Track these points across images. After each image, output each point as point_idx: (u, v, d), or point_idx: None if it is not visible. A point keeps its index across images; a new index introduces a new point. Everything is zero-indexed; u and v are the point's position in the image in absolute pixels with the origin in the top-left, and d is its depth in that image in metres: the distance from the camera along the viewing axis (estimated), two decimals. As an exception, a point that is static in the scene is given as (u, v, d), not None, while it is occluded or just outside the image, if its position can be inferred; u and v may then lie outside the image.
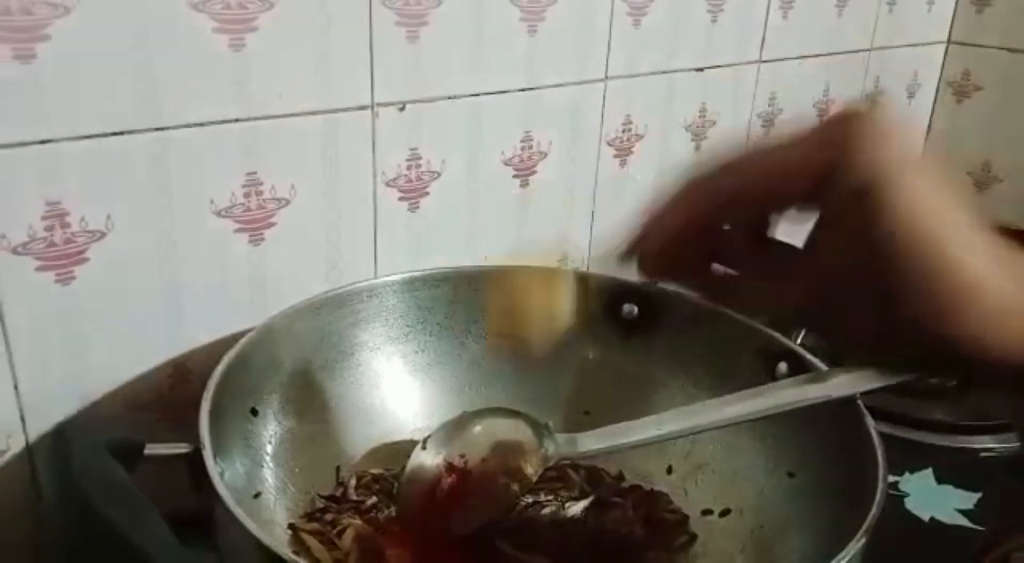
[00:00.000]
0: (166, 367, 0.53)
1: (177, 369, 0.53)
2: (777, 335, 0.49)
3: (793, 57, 0.89)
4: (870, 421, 0.41)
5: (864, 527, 0.34)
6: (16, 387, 0.46)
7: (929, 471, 0.62)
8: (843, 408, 0.43)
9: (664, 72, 0.76)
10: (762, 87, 0.86)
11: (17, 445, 0.47)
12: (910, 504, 0.58)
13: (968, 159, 1.10)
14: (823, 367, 0.46)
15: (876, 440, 0.40)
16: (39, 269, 0.46)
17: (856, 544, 0.34)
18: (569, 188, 0.72)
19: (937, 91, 1.12)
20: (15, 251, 0.44)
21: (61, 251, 0.46)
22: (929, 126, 1.14)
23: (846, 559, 0.33)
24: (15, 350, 0.46)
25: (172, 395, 0.53)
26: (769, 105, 0.88)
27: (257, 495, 0.45)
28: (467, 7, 0.59)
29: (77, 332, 0.48)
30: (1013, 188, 1.08)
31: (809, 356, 0.47)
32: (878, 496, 0.36)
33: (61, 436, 0.32)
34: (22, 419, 0.47)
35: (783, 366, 0.48)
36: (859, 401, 0.43)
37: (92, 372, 0.49)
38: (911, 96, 1.10)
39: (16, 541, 0.48)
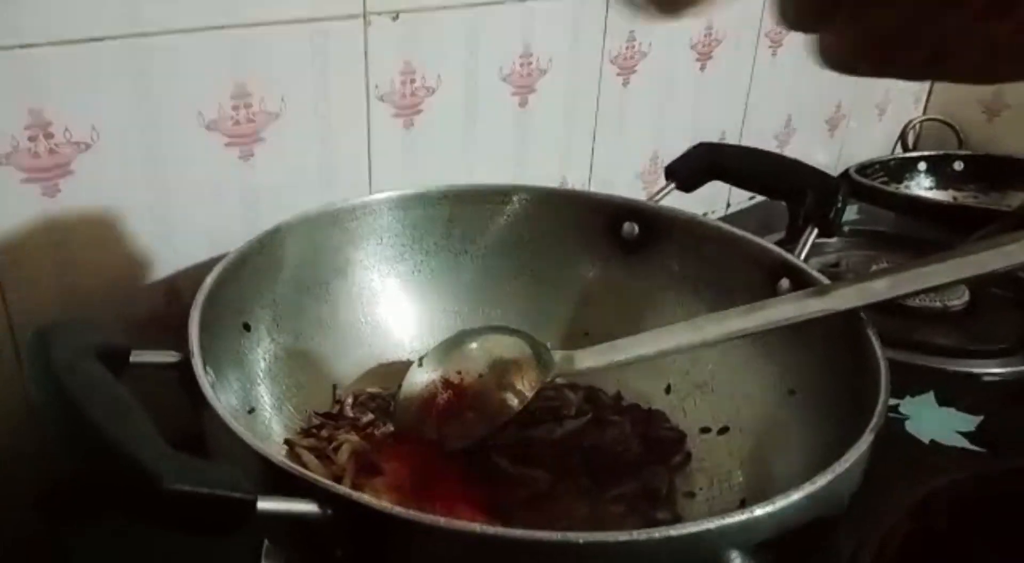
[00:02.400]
0: (160, 284, 0.52)
1: (172, 287, 0.52)
2: (779, 250, 0.48)
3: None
4: (873, 334, 0.40)
5: (867, 430, 0.34)
6: (4, 299, 0.46)
7: (930, 395, 0.61)
8: (845, 324, 0.42)
9: (669, -13, 0.73)
10: (772, 5, 0.83)
11: (7, 360, 0.47)
12: (910, 427, 0.58)
13: (980, 87, 1.08)
14: (825, 281, 0.45)
15: (879, 353, 0.39)
16: (24, 181, 0.45)
17: (857, 452, 0.33)
18: (570, 107, 0.70)
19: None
20: (-2, 162, 0.43)
21: (45, 163, 0.45)
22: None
23: (847, 465, 0.32)
24: (2, 264, 0.45)
25: (167, 312, 0.52)
26: (776, 24, 0.85)
27: (251, 411, 0.45)
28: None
29: (64, 247, 0.47)
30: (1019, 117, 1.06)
31: (811, 271, 0.46)
32: (880, 406, 0.35)
33: (45, 335, 0.31)
34: (12, 333, 0.47)
35: (785, 282, 0.47)
36: (862, 315, 0.42)
37: (82, 288, 0.48)
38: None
39: (8, 459, 0.48)
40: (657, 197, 0.54)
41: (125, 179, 0.48)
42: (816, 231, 0.49)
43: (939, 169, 1.06)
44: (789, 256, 0.47)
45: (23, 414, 0.48)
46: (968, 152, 1.08)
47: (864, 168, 1.02)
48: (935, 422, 0.58)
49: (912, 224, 0.88)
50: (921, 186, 1.06)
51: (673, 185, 0.54)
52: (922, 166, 1.07)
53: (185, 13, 0.47)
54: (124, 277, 0.50)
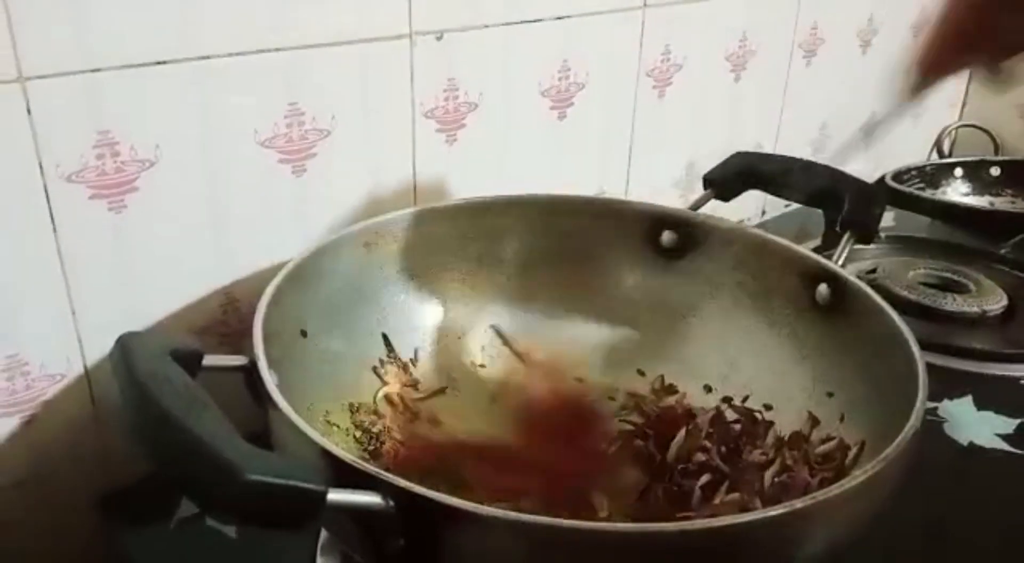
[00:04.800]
0: (217, 294, 0.54)
1: (228, 296, 0.54)
2: (817, 257, 0.49)
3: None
4: (910, 337, 0.41)
5: (905, 430, 0.35)
6: (73, 313, 0.48)
7: (969, 398, 0.61)
8: (881, 327, 0.43)
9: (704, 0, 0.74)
10: (804, 15, 0.84)
11: (76, 370, 0.49)
12: (948, 429, 0.58)
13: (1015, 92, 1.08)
14: (864, 286, 0.46)
15: (916, 355, 0.40)
16: (92, 197, 0.47)
17: (895, 450, 0.34)
18: (607, 120, 0.72)
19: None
20: (68, 179, 0.46)
21: (112, 179, 0.47)
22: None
23: (882, 464, 0.33)
24: (71, 277, 0.47)
25: (223, 320, 0.54)
26: (811, 34, 0.86)
27: (309, 408, 0.47)
28: (504, -66, 0.58)
29: (130, 259, 0.49)
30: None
31: (850, 277, 0.47)
32: (917, 405, 0.36)
33: (125, 345, 0.33)
34: (80, 343, 0.49)
35: (823, 288, 0.48)
36: (897, 319, 0.43)
37: (145, 298, 0.51)
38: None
39: (75, 462, 0.51)
40: (696, 205, 0.55)
41: (186, 194, 0.50)
42: (854, 238, 0.50)
43: (975, 175, 1.06)
44: (828, 262, 0.49)
45: (88, 420, 0.51)
46: (1005, 157, 1.08)
47: (900, 174, 1.02)
48: (974, 425, 0.59)
49: (949, 230, 0.89)
50: (958, 192, 1.06)
51: (711, 193, 0.56)
52: (958, 172, 1.07)
53: (241, 37, 0.49)
54: (184, 287, 0.53)
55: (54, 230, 0.46)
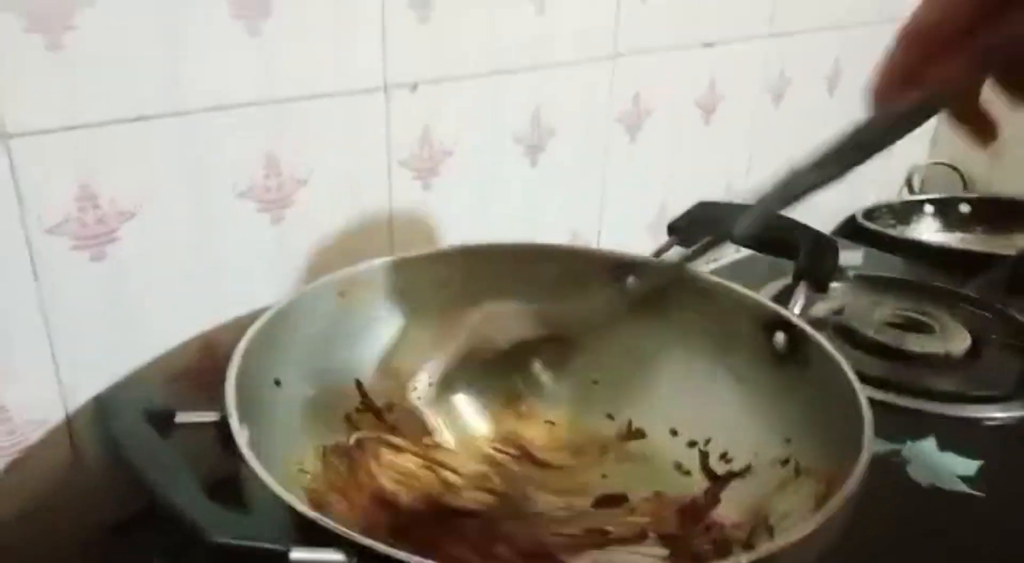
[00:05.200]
0: (196, 341, 0.55)
1: (206, 343, 0.56)
2: (773, 306, 0.51)
3: (804, 30, 0.89)
4: (855, 381, 0.43)
5: (849, 481, 0.36)
6: (55, 360, 0.49)
7: (932, 439, 0.63)
8: (835, 379, 0.45)
9: (672, 48, 0.77)
10: (772, 60, 0.87)
11: (56, 416, 0.51)
12: (911, 470, 0.60)
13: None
14: (818, 337, 0.48)
15: (865, 410, 0.42)
16: (73, 248, 0.48)
17: (839, 499, 0.36)
18: (578, 165, 0.74)
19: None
20: (50, 231, 0.47)
21: (93, 231, 0.49)
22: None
23: (824, 517, 0.35)
24: (52, 325, 0.49)
25: (202, 367, 0.56)
26: (779, 78, 0.89)
27: (284, 457, 0.48)
28: (476, -11, 0.60)
29: (111, 308, 0.51)
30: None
31: (804, 325, 0.49)
32: (860, 463, 0.38)
33: (101, 404, 0.35)
34: (60, 390, 0.50)
35: (780, 336, 0.50)
36: (843, 365, 0.45)
37: (126, 345, 0.52)
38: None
39: (57, 506, 0.52)
40: (659, 252, 0.57)
41: (166, 244, 0.52)
42: (808, 287, 0.52)
43: (946, 212, 1.09)
44: (783, 311, 0.50)
45: (69, 465, 0.52)
46: (974, 195, 1.11)
47: (871, 211, 1.05)
48: (936, 467, 0.60)
49: (918, 268, 0.91)
50: (929, 229, 1.09)
51: (674, 241, 0.58)
52: (928, 209, 1.09)
53: (221, 93, 0.51)
54: (164, 334, 0.54)
55: (36, 280, 0.47)
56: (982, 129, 0.41)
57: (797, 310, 0.50)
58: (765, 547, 0.33)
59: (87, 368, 0.51)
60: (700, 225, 0.56)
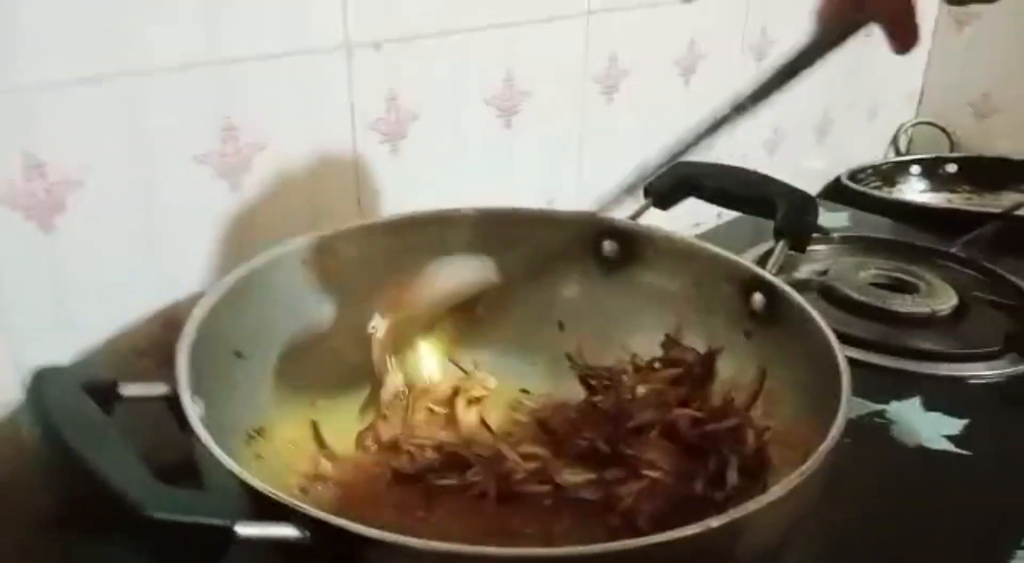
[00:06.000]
0: (157, 316, 0.53)
1: (168, 316, 0.54)
2: (750, 265, 0.49)
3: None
4: (839, 352, 0.42)
5: (827, 439, 0.35)
6: (8, 336, 0.47)
7: (917, 399, 0.62)
8: (813, 338, 0.44)
9: (649, 5, 0.74)
10: (753, 18, 0.85)
11: (13, 396, 0.48)
12: (896, 431, 0.59)
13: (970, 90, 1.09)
14: (795, 295, 0.46)
15: (843, 367, 0.40)
16: (22, 219, 0.46)
17: (816, 458, 0.34)
18: (555, 127, 0.72)
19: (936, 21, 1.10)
20: (-6, 202, 0.45)
21: (40, 200, 0.47)
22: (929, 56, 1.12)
23: (798, 481, 0.33)
24: (4, 302, 0.47)
25: (166, 341, 0.53)
26: (761, 36, 0.87)
27: (253, 436, 0.46)
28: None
29: (63, 282, 0.49)
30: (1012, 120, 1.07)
31: (781, 285, 0.47)
32: (838, 420, 0.37)
33: (39, 376, 0.33)
34: (16, 369, 0.48)
35: (758, 296, 0.49)
36: (822, 323, 0.43)
37: (82, 321, 0.50)
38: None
39: (19, 483, 0.50)
40: (636, 215, 0.55)
41: (119, 214, 0.49)
42: (787, 245, 0.50)
43: (932, 172, 1.08)
44: (760, 271, 0.49)
45: (24, 447, 0.50)
46: (961, 154, 1.09)
47: (856, 173, 1.03)
48: (921, 426, 0.59)
49: (904, 228, 0.89)
50: (915, 189, 1.07)
51: (650, 203, 0.56)
52: (915, 170, 1.08)
53: (169, 53, 0.48)
54: (122, 309, 0.52)
55: (-19, 253, 0.45)
56: (908, 37, 0.45)
57: (775, 270, 0.49)
58: (742, 507, 0.32)
59: (43, 346, 0.48)
60: (675, 185, 0.55)
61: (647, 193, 0.56)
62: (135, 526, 0.27)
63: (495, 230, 0.56)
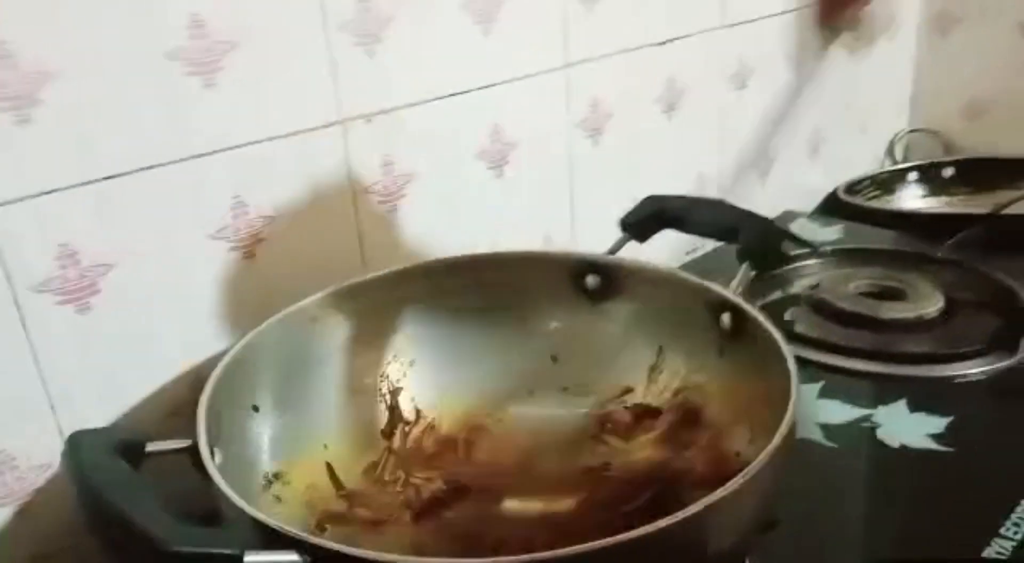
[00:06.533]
0: (186, 377, 0.59)
1: (196, 378, 0.59)
2: (718, 289, 0.53)
3: (762, 16, 0.91)
4: (789, 356, 0.46)
5: (761, 456, 0.39)
6: (52, 407, 0.53)
7: (903, 401, 0.64)
8: (771, 350, 0.47)
9: (626, 50, 0.79)
10: (728, 50, 0.89)
11: (58, 457, 0.54)
12: (881, 434, 0.61)
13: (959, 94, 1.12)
14: (757, 315, 0.50)
15: (792, 372, 0.44)
16: (59, 303, 0.52)
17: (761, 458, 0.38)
18: (544, 173, 0.77)
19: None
20: (36, 289, 0.51)
21: (76, 285, 0.53)
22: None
23: (744, 479, 0.37)
24: (46, 375, 0.52)
25: (193, 402, 0.59)
26: (740, 65, 0.91)
27: (269, 483, 0.51)
28: (418, 17, 0.64)
29: (100, 354, 0.54)
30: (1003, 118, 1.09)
31: (745, 306, 0.51)
32: (784, 426, 0.40)
33: (72, 439, 0.38)
34: (61, 435, 0.54)
35: (726, 317, 0.53)
36: (780, 342, 0.47)
37: (118, 388, 0.56)
38: (892, 39, 1.11)
39: (74, 541, 0.55)
40: (613, 249, 0.60)
41: (146, 290, 0.55)
42: (750, 267, 0.54)
43: (930, 177, 1.10)
44: (725, 292, 0.53)
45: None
46: (956, 157, 1.12)
47: (853, 185, 1.06)
48: (906, 427, 0.62)
49: (898, 236, 0.92)
50: (914, 196, 1.10)
51: (627, 237, 0.60)
52: (912, 176, 1.11)
53: (181, 145, 0.54)
54: (154, 375, 0.57)
55: (26, 336, 0.51)
56: None
57: (738, 290, 0.53)
58: (698, 503, 0.36)
59: (84, 412, 0.54)
60: (649, 218, 0.59)
61: (624, 227, 0.61)
62: (160, 559, 0.32)
63: (488, 273, 0.61)
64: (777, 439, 0.40)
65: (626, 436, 0.57)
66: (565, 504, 0.52)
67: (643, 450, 0.55)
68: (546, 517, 0.51)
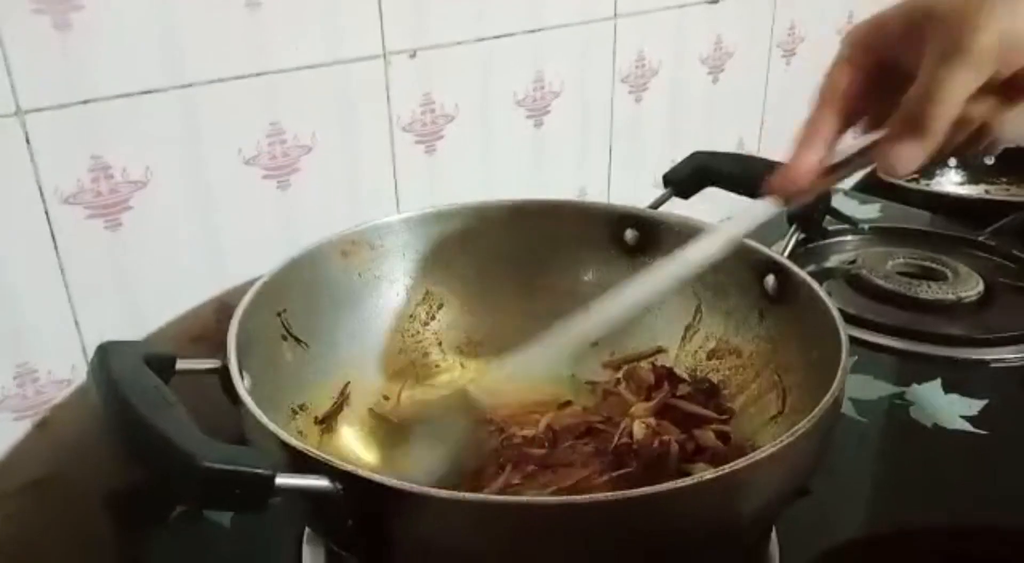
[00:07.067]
0: (212, 303, 0.58)
1: (222, 305, 0.58)
2: (764, 249, 0.52)
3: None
4: (840, 323, 0.44)
5: (814, 413, 0.37)
6: (76, 323, 0.52)
7: (937, 382, 0.63)
8: (820, 315, 0.46)
9: (675, 7, 0.77)
10: (780, 15, 0.87)
11: (81, 376, 0.54)
12: (914, 412, 0.60)
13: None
14: (806, 277, 0.49)
15: (843, 338, 0.43)
16: (89, 217, 0.51)
17: (806, 425, 0.37)
18: (584, 126, 0.75)
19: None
20: (66, 202, 0.50)
21: (107, 200, 0.51)
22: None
23: (793, 438, 0.36)
24: (73, 291, 0.52)
25: (219, 328, 0.58)
26: (789, 34, 0.89)
27: (296, 411, 0.50)
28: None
29: (127, 273, 0.53)
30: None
31: (793, 267, 0.50)
32: (835, 385, 0.39)
33: (103, 349, 0.37)
34: (83, 351, 0.53)
35: (770, 278, 0.51)
36: (825, 299, 0.45)
37: (144, 308, 0.55)
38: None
39: (88, 457, 0.55)
40: (656, 204, 0.58)
41: (177, 212, 0.54)
42: (799, 230, 0.53)
43: (970, 163, 1.08)
44: (773, 254, 0.51)
45: (94, 422, 0.55)
46: (999, 145, 1.09)
47: (893, 165, 1.04)
48: (940, 407, 0.61)
49: (936, 219, 0.90)
50: (952, 181, 1.07)
51: (671, 192, 0.59)
52: (952, 161, 1.08)
53: (220, 65, 0.53)
54: (180, 298, 0.57)
55: (55, 249, 0.50)
56: None
57: (786, 253, 0.51)
58: (736, 461, 0.35)
59: (107, 331, 0.53)
60: (693, 174, 0.57)
61: (667, 183, 0.59)
62: (189, 474, 0.31)
63: (525, 220, 0.60)
64: (827, 400, 0.38)
65: (638, 395, 0.55)
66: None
67: (649, 414, 0.54)
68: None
